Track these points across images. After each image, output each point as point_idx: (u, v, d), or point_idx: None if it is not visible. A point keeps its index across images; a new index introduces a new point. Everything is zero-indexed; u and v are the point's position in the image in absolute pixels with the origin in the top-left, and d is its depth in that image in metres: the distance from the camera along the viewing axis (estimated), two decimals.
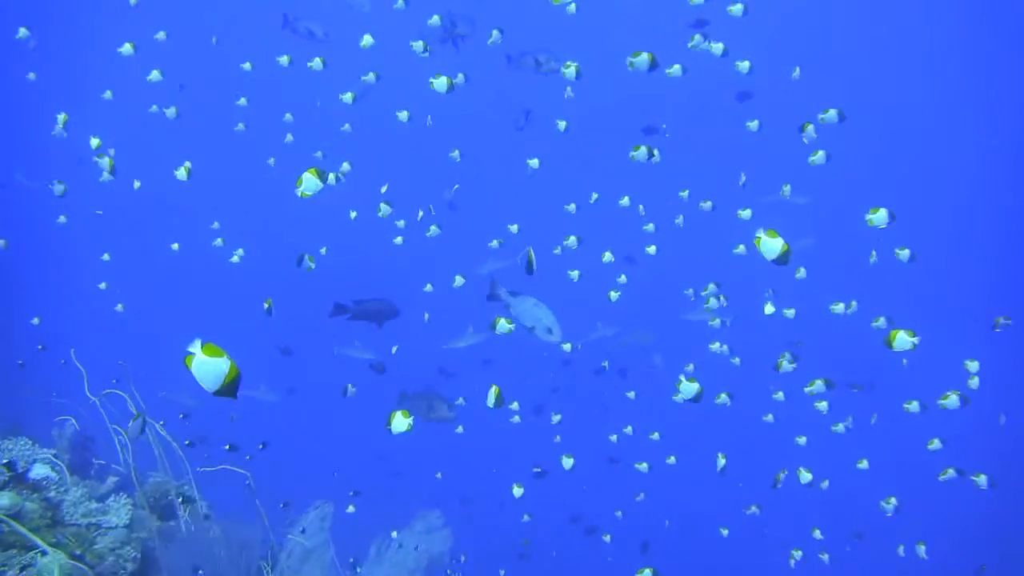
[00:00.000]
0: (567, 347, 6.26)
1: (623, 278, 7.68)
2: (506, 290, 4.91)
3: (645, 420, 8.39)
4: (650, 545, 10.09)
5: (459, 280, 7.23)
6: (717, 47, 5.96)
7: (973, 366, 5.47)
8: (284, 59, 7.02)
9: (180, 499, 5.10)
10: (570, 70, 5.96)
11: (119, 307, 9.01)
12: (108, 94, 9.35)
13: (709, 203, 7.57)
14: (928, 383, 7.71)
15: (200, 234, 10.80)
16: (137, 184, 7.90)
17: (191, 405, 8.74)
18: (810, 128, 5.52)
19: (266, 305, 6.15)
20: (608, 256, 7.18)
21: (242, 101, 8.57)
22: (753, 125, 6.56)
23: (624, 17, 16.39)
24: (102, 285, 9.09)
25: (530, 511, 8.05)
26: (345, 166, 7.22)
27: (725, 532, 7.21)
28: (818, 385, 4.99)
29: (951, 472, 5.56)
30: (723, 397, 5.92)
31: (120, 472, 4.90)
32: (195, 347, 2.49)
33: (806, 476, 5.94)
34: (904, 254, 5.84)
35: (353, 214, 8.46)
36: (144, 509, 4.71)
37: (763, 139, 16.91)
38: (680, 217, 8.00)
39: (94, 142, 6.14)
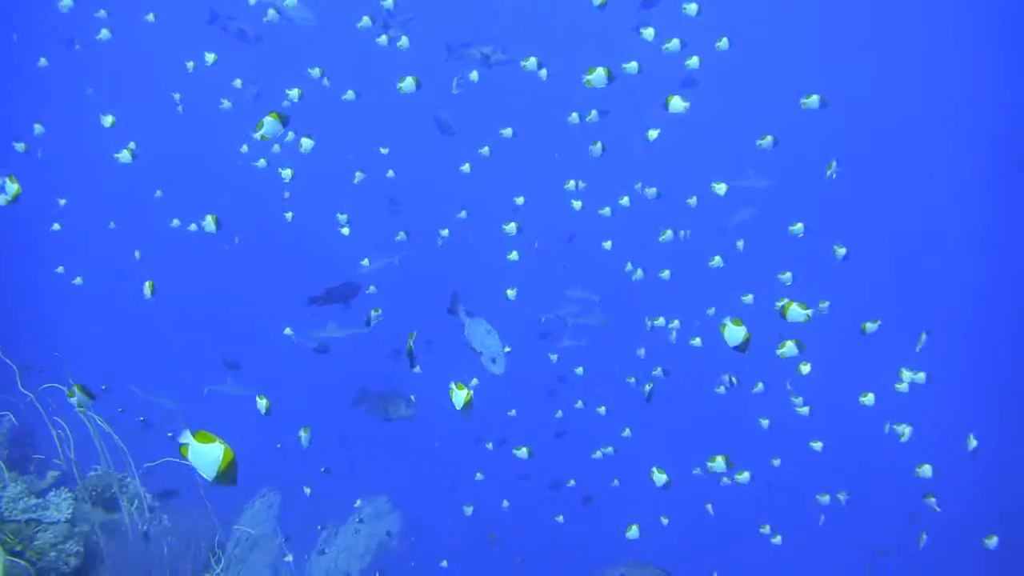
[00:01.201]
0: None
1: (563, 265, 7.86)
2: (464, 309, 4.98)
3: (596, 396, 8.57)
4: (593, 499, 10.26)
5: (402, 235, 8.01)
6: (673, 44, 5.96)
7: (907, 375, 5.66)
8: (211, 57, 6.92)
9: (157, 496, 5.10)
10: (530, 62, 5.97)
11: (78, 280, 8.87)
12: (43, 62, 9.17)
13: (654, 189, 7.67)
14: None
15: (151, 214, 10.67)
16: (57, 226, 7.97)
17: (170, 407, 8.69)
18: (675, 100, 5.54)
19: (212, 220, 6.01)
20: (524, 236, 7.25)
21: (176, 96, 8.59)
22: (652, 135, 6.59)
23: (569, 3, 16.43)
24: (60, 269, 8.96)
25: (482, 472, 8.22)
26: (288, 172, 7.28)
27: (665, 520, 7.36)
28: (789, 347, 5.02)
29: (926, 468, 5.76)
30: (657, 371, 6.05)
31: (60, 466, 4.84)
32: (186, 437, 2.49)
33: (743, 476, 6.09)
34: (840, 251, 6.04)
35: (289, 215, 8.47)
36: (86, 503, 4.68)
37: (715, 125, 17.12)
38: (625, 198, 8.09)
39: (19, 146, 6.02)
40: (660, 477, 5.53)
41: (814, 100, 5.83)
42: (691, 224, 8.30)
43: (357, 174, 7.80)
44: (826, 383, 9.79)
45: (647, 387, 5.51)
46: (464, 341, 4.83)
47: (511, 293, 7.15)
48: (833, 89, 6.85)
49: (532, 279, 10.41)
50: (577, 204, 7.87)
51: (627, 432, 8.48)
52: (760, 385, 7.27)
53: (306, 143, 6.27)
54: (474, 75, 7.12)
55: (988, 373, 16.36)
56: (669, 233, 7.37)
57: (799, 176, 13.83)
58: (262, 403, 4.82)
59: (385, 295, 8.62)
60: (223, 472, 2.51)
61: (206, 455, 2.50)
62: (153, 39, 12.17)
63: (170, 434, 6.23)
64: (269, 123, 4.53)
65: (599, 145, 6.29)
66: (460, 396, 3.62)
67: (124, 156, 6.18)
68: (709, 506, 7.94)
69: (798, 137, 11.90)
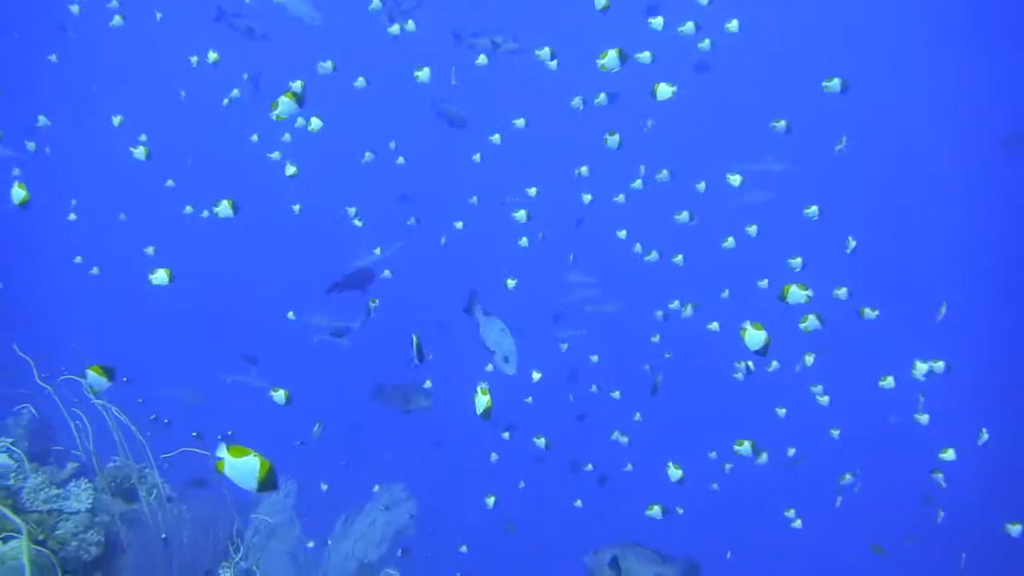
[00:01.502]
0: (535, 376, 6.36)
1: (571, 257, 7.92)
2: (481, 308, 5.02)
3: (611, 382, 8.60)
4: (609, 481, 10.29)
5: (412, 220, 8.41)
6: (688, 26, 5.96)
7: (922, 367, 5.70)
8: (213, 56, 6.96)
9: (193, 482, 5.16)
10: (544, 52, 5.96)
11: (95, 271, 8.95)
12: (53, 58, 9.23)
13: (665, 172, 7.62)
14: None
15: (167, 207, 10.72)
16: (72, 216, 8.11)
17: (191, 399, 8.75)
18: (661, 87, 5.55)
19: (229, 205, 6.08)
20: (521, 214, 7.25)
21: (182, 94, 8.70)
22: (648, 124, 6.57)
23: None
24: (78, 259, 9.06)
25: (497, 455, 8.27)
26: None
27: (681, 511, 7.36)
28: (811, 320, 5.04)
29: (950, 452, 5.82)
30: (668, 354, 6.09)
31: (80, 458, 4.89)
32: (221, 451, 2.55)
33: (763, 457, 6.10)
34: (851, 244, 6.14)
35: (296, 207, 8.53)
36: (106, 493, 4.72)
37: (732, 109, 16.92)
38: (638, 181, 8.08)
39: (30, 145, 6.07)
40: (675, 472, 5.53)
41: (836, 83, 5.87)
42: (705, 209, 8.29)
43: (367, 154, 7.82)
44: (841, 369, 9.77)
45: (657, 379, 5.54)
46: (479, 340, 4.89)
47: (511, 283, 7.19)
48: (855, 74, 6.81)
49: (543, 265, 10.41)
50: (587, 197, 7.88)
51: (637, 416, 8.50)
52: (775, 364, 7.29)
53: (315, 123, 6.27)
54: (482, 59, 7.09)
55: (1006, 356, 16.27)
56: (685, 215, 7.36)
57: (816, 161, 13.77)
58: (279, 395, 4.83)
59: (399, 281, 8.65)
60: (263, 481, 2.59)
61: (243, 468, 2.57)
62: (161, 35, 12.19)
63: (195, 433, 6.27)
64: (284, 103, 4.52)
65: (616, 136, 6.25)
66: (482, 401, 3.61)
67: (139, 153, 6.21)
68: (715, 485, 8.02)
69: (816, 122, 11.83)
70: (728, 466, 7.50)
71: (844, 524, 10.89)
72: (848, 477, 7.12)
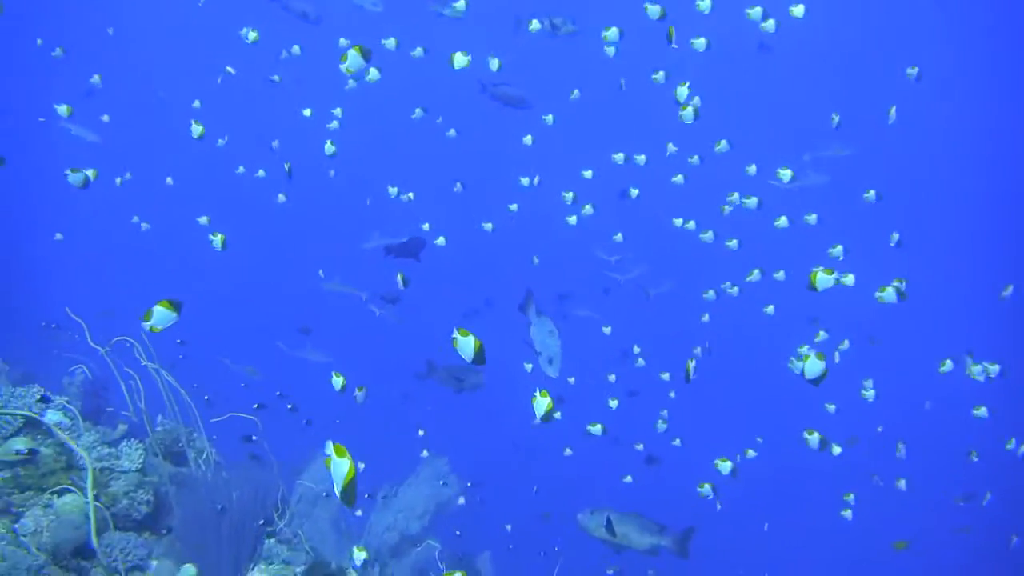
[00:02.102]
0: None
1: (619, 236, 7.93)
2: (535, 308, 5.00)
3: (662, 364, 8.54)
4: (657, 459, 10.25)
5: (458, 187, 8.48)
6: (755, 12, 5.87)
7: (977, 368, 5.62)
8: (253, 34, 7.02)
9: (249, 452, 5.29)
10: (611, 32, 5.89)
11: (145, 226, 9.16)
12: (110, 31, 9.43)
13: (724, 142, 7.46)
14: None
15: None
16: (127, 176, 8.31)
17: (250, 374, 8.93)
18: (680, 90, 5.54)
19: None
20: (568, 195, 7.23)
21: (229, 69, 8.85)
22: (696, 102, 6.40)
23: None
24: (135, 219, 9.27)
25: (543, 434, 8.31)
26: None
27: (719, 507, 7.31)
28: (888, 293, 4.96)
29: (1011, 442, 5.81)
30: (700, 348, 6.07)
31: (130, 419, 5.00)
32: (329, 449, 2.49)
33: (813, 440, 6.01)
34: (894, 238, 6.13)
35: (331, 172, 8.62)
36: (156, 455, 4.83)
37: (789, 91, 16.56)
38: (695, 157, 7.97)
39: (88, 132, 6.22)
40: (725, 466, 5.48)
41: (913, 72, 5.82)
42: (759, 191, 8.16)
43: (417, 110, 7.82)
44: (887, 359, 9.54)
45: (688, 366, 5.43)
46: (527, 339, 4.87)
47: (536, 260, 7.23)
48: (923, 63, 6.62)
49: (591, 244, 10.35)
50: (634, 192, 7.86)
51: (672, 394, 8.47)
52: (823, 333, 7.20)
53: (373, 73, 6.27)
54: (535, 24, 6.97)
55: None
56: (754, 200, 7.21)
57: (877, 147, 13.45)
58: (337, 380, 4.80)
59: (450, 256, 8.68)
60: (344, 488, 2.48)
61: (337, 468, 2.48)
62: (215, 13, 12.34)
63: (256, 405, 6.37)
64: (352, 56, 4.51)
65: (690, 109, 6.12)
66: (542, 404, 3.50)
67: (196, 130, 6.32)
68: (739, 458, 7.94)
69: (880, 109, 11.52)
70: (751, 452, 7.40)
71: (881, 513, 10.70)
72: (902, 447, 7.00)
